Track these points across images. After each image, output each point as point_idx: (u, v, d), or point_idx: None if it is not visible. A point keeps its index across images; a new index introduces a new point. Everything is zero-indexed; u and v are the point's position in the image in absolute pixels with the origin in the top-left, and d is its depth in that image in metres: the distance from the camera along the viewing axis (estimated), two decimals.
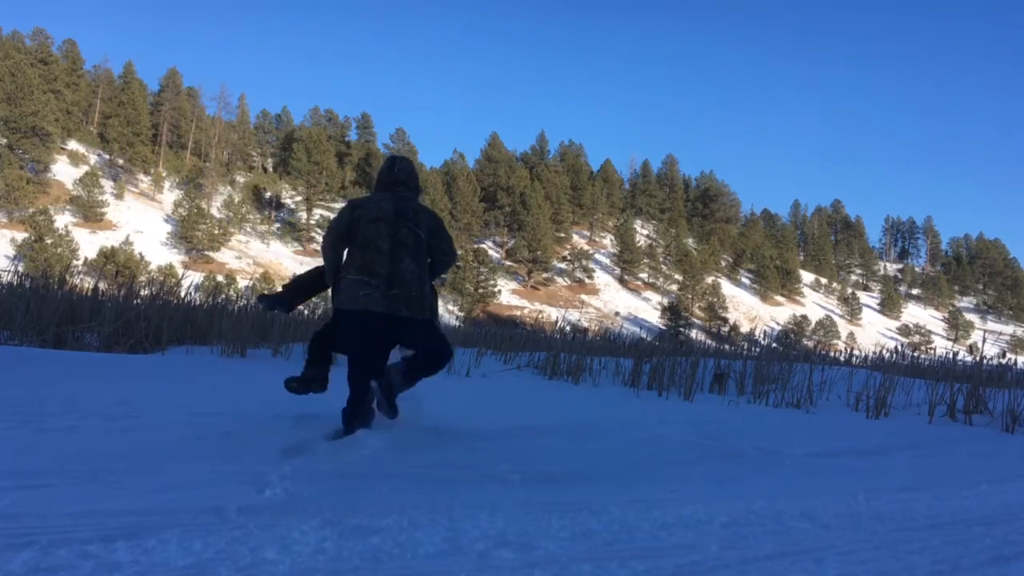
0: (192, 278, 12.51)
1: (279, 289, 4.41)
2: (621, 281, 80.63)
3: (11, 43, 71.09)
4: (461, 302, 65.19)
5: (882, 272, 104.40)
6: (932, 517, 2.87)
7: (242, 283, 53.60)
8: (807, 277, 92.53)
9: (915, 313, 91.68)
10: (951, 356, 8.74)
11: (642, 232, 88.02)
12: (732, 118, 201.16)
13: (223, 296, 11.55)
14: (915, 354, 13.45)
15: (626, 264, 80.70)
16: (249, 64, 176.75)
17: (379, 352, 3.81)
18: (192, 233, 63.99)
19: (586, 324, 54.23)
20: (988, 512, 3.02)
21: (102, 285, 8.89)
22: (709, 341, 36.34)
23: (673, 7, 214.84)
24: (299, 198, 76.27)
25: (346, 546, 2.06)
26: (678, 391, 6.94)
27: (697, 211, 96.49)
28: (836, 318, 77.26)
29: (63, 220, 58.53)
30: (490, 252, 74.56)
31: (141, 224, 65.21)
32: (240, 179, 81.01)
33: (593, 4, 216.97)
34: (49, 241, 52.52)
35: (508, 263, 76.10)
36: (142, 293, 8.95)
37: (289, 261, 70.31)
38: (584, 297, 73.94)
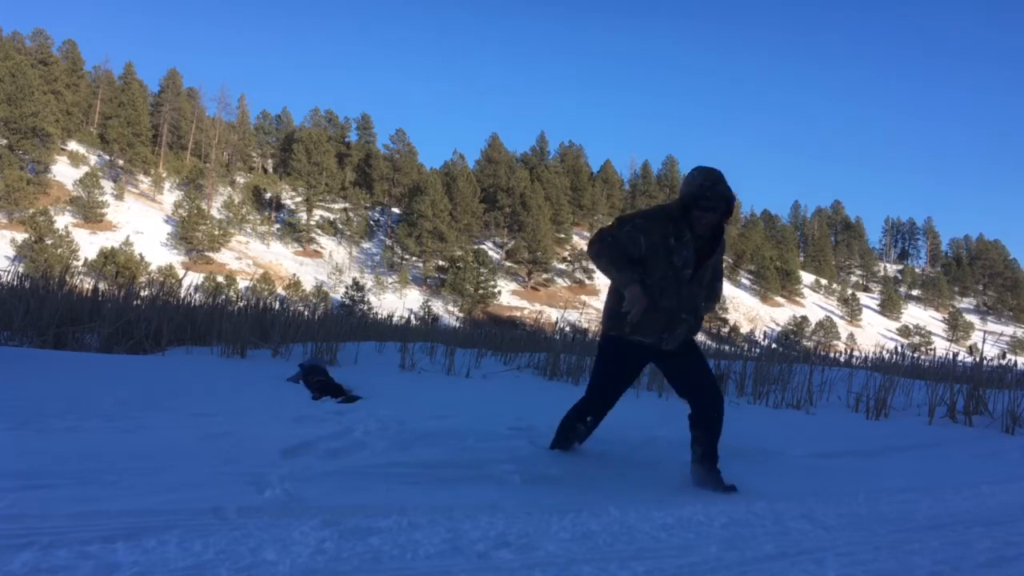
0: (192, 279, 12.51)
1: None
2: None
3: (11, 44, 71.12)
4: (461, 303, 65.18)
5: (882, 273, 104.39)
6: (932, 518, 2.87)
7: (242, 284, 53.62)
8: (807, 278, 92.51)
9: (915, 314, 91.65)
10: (951, 357, 8.73)
11: None
12: (732, 118, 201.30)
13: (223, 297, 11.56)
14: (915, 355, 13.43)
15: None
16: (249, 65, 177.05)
17: None
18: (192, 234, 64.00)
19: (586, 325, 54.21)
20: (988, 513, 3.02)
21: (102, 286, 8.89)
22: (709, 342, 36.30)
23: (673, 7, 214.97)
24: (299, 199, 76.28)
25: (346, 546, 2.05)
26: None
27: None
28: (836, 319, 77.24)
29: (63, 221, 58.55)
30: (490, 253, 74.57)
31: (141, 225, 65.23)
32: (240, 180, 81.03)
33: (593, 4, 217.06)
34: (49, 242, 52.54)
35: (508, 264, 76.09)
36: (142, 294, 8.96)
37: (289, 262, 70.31)
38: (584, 298, 73.90)
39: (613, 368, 3.52)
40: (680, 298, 3.32)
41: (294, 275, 64.67)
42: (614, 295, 3.42)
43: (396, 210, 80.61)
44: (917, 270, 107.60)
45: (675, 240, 3.26)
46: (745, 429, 5.13)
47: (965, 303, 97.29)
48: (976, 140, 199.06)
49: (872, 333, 78.02)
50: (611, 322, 3.41)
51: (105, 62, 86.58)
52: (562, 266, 78.71)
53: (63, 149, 69.76)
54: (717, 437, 3.35)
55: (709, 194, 3.20)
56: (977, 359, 8.62)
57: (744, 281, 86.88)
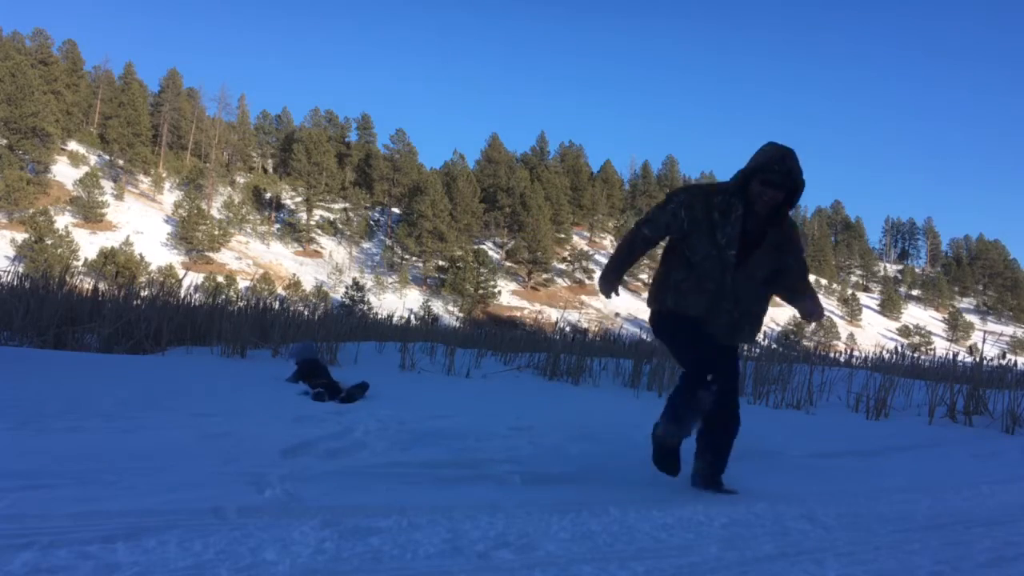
0: (192, 279, 12.52)
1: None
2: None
3: (11, 44, 71.15)
4: (461, 303, 65.17)
5: (882, 273, 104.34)
6: (932, 518, 2.87)
7: (242, 284, 53.63)
8: None
9: (915, 314, 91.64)
10: (951, 357, 8.72)
11: None
12: (732, 118, 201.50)
13: (223, 297, 11.57)
14: (915, 355, 13.43)
15: None
16: (249, 65, 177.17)
17: None
18: (192, 234, 64.02)
19: (586, 325, 54.24)
20: (988, 513, 3.02)
21: (102, 286, 8.90)
22: None
23: (673, 7, 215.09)
24: (299, 199, 76.29)
25: (346, 546, 2.05)
26: None
27: None
28: (836, 319, 77.23)
29: (63, 221, 58.56)
30: (490, 253, 74.56)
31: (141, 225, 65.24)
32: (240, 180, 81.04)
33: (593, 4, 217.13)
34: (49, 242, 52.55)
35: (508, 264, 76.10)
36: (142, 294, 8.95)
37: (289, 262, 70.32)
38: (584, 298, 73.92)
39: (679, 332, 3.15)
40: (723, 285, 3.01)
41: (294, 275, 64.68)
42: (662, 270, 3.22)
43: (396, 210, 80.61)
44: (917, 270, 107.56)
45: (720, 215, 3.00)
46: (745, 429, 5.12)
47: (965, 303, 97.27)
48: (976, 140, 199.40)
49: (872, 333, 78.03)
50: (656, 295, 3.19)
51: (105, 62, 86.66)
52: (562, 266, 78.71)
53: (63, 149, 69.76)
54: (726, 449, 3.23)
55: (776, 167, 2.94)
56: (977, 359, 8.62)
57: None
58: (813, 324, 4.56)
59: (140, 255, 56.74)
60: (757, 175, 2.96)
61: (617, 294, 3.22)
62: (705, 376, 3.01)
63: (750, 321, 3.17)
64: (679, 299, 3.09)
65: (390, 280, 70.28)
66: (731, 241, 3.00)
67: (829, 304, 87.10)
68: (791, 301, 3.29)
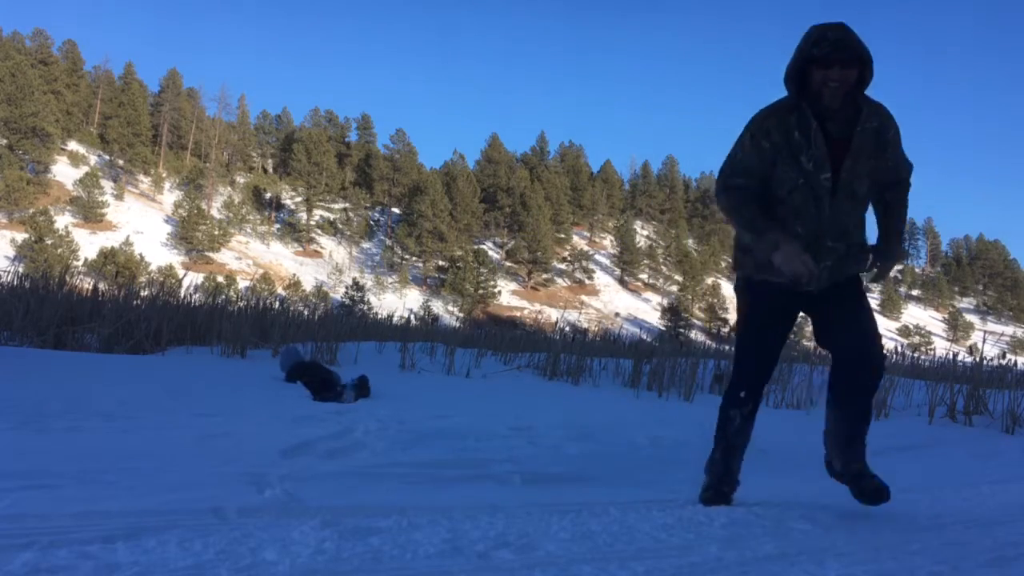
0: (192, 279, 12.53)
1: None
2: (621, 282, 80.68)
3: (11, 44, 71.20)
4: (461, 303, 65.18)
5: None
6: (932, 518, 2.87)
7: (242, 284, 53.65)
8: None
9: (915, 314, 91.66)
10: (951, 357, 8.71)
11: (642, 233, 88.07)
12: (734, 117, 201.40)
13: (223, 297, 11.58)
14: (915, 355, 13.41)
15: (626, 265, 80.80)
16: (249, 64, 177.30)
17: None
18: (192, 234, 64.06)
19: (586, 325, 54.25)
20: (988, 513, 3.02)
21: (102, 286, 8.90)
22: (709, 342, 36.31)
23: (673, 6, 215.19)
24: (299, 199, 76.32)
25: (346, 546, 2.05)
26: (678, 392, 6.94)
27: (697, 212, 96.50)
28: None
29: (63, 221, 58.58)
30: (490, 253, 74.58)
31: (141, 225, 65.28)
32: (240, 180, 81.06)
33: (593, 4, 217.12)
34: (49, 242, 52.59)
35: (508, 264, 76.11)
36: (142, 294, 8.96)
37: (289, 262, 70.34)
38: (584, 298, 73.94)
39: (751, 319, 2.67)
40: (822, 219, 2.46)
41: (294, 275, 64.71)
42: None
43: (396, 210, 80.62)
44: (917, 270, 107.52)
45: (800, 134, 2.42)
46: None
47: (965, 303, 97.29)
48: (976, 140, 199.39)
49: None
50: (738, 258, 2.66)
51: (105, 62, 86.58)
52: (562, 266, 78.71)
53: (63, 149, 69.78)
54: (865, 412, 2.58)
55: (824, 41, 2.38)
56: (977, 359, 8.61)
57: None
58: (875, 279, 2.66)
59: (140, 255, 56.77)
60: (810, 57, 2.40)
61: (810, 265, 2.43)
62: (739, 393, 2.69)
63: (859, 252, 2.60)
64: (762, 261, 2.52)
65: (390, 280, 70.31)
66: (820, 163, 2.43)
67: None
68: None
